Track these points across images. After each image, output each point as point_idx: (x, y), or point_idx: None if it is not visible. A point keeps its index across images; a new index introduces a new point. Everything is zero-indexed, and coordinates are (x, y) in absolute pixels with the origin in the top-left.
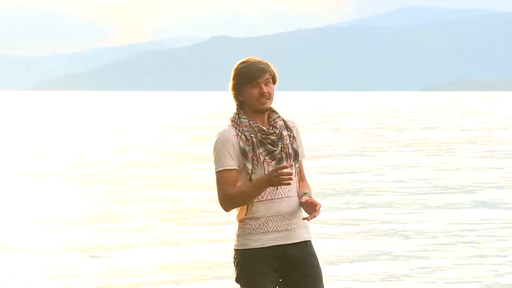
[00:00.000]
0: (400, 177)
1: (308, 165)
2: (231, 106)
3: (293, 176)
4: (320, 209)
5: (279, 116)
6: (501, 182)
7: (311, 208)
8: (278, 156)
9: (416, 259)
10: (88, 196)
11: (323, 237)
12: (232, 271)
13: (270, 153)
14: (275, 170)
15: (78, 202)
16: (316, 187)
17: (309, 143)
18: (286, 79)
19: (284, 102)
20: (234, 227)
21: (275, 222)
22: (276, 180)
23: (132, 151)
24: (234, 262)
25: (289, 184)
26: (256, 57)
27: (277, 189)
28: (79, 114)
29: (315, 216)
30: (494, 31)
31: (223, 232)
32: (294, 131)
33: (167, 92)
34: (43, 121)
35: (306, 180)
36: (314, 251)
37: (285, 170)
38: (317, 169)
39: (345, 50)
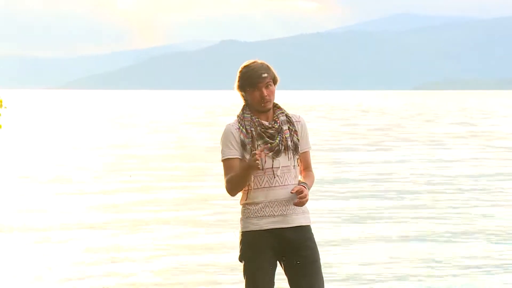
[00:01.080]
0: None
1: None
2: (238, 103)
3: (292, 167)
4: (308, 197)
5: (283, 112)
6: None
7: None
8: (276, 148)
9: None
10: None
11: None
12: None
13: (266, 145)
14: (253, 155)
15: (126, 195)
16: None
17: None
18: (289, 79)
19: (286, 99)
20: None
21: (272, 207)
22: (252, 163)
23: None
24: (239, 242)
25: (258, 168)
26: (258, 60)
27: (275, 177)
28: (108, 111)
29: (299, 204)
30: (477, 35)
31: None
32: (298, 126)
33: (183, 91)
34: (78, 117)
35: (310, 171)
36: (311, 235)
37: (257, 153)
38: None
39: (343, 53)
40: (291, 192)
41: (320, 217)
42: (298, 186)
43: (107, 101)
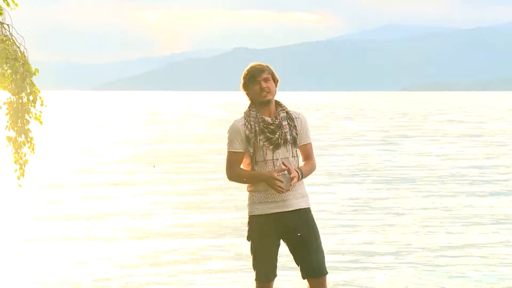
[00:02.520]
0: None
1: None
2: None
3: (290, 157)
4: (295, 181)
5: (283, 109)
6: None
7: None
8: (276, 142)
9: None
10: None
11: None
12: None
13: (268, 140)
14: (274, 178)
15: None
16: None
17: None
18: (292, 81)
19: (291, 99)
20: None
21: (273, 194)
22: (271, 184)
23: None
24: (247, 224)
25: (281, 192)
26: (258, 62)
27: (275, 167)
28: (137, 109)
29: (289, 189)
30: (457, 42)
31: None
32: (298, 121)
33: (200, 92)
34: (111, 115)
35: (311, 160)
36: (311, 216)
37: (279, 184)
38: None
39: (340, 58)
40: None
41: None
42: (290, 168)
43: (135, 100)
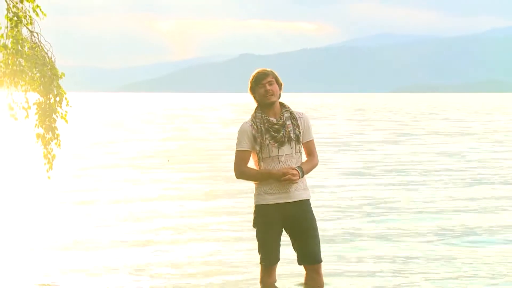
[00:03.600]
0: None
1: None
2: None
3: (294, 154)
4: (295, 175)
5: (288, 110)
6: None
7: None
8: (280, 140)
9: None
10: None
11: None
12: None
13: (273, 138)
14: (283, 175)
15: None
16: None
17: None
18: (294, 84)
19: (295, 100)
20: None
21: (278, 186)
22: (283, 179)
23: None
24: (253, 213)
25: (295, 180)
26: (263, 68)
27: (279, 163)
28: (154, 109)
29: (290, 181)
30: (442, 49)
31: None
32: (300, 121)
33: (210, 94)
34: (131, 114)
35: (313, 156)
36: (310, 208)
37: (287, 178)
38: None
39: (336, 63)
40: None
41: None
42: (289, 169)
43: (152, 101)
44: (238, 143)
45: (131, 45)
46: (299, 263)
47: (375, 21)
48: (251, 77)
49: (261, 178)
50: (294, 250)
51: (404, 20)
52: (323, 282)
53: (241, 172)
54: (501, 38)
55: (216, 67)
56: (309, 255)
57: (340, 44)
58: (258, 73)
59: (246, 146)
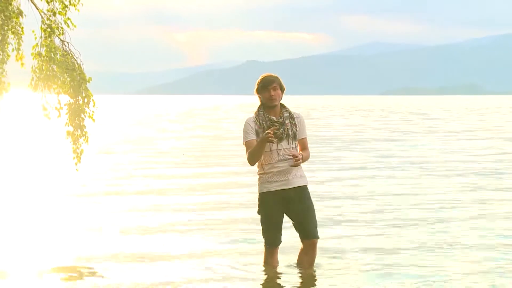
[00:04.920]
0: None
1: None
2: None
3: (291, 148)
4: (301, 159)
5: (287, 110)
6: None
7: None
8: (279, 136)
9: None
10: None
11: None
12: None
13: (273, 134)
14: (266, 133)
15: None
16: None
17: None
18: (295, 87)
19: (295, 102)
20: None
21: (278, 175)
22: (265, 137)
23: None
24: (257, 200)
25: (272, 141)
26: (270, 73)
27: (278, 156)
28: (168, 110)
29: (294, 165)
30: (423, 56)
31: None
32: (297, 120)
33: (220, 96)
34: (148, 114)
35: (307, 150)
36: (308, 193)
37: (269, 132)
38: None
39: (331, 69)
40: (289, 155)
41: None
42: (295, 153)
43: (165, 103)
44: (244, 136)
45: (149, 52)
46: (302, 238)
47: (366, 31)
48: (259, 80)
49: (260, 147)
50: (296, 230)
51: (391, 31)
52: (315, 256)
53: (249, 155)
54: (476, 47)
55: (225, 72)
56: (307, 232)
57: (335, 52)
58: (265, 78)
59: (252, 137)
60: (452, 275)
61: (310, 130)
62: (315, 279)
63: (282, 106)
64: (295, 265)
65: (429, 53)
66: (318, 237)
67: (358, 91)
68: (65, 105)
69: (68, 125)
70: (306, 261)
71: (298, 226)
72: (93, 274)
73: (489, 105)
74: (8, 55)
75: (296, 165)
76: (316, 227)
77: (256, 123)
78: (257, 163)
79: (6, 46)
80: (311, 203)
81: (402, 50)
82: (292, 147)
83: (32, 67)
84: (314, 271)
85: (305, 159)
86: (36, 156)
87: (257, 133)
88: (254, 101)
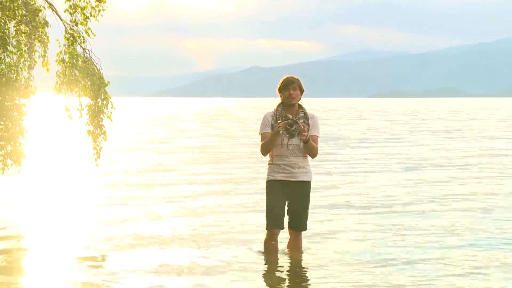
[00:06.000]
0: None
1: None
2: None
3: (300, 145)
4: (308, 135)
5: (303, 110)
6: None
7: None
8: (292, 132)
9: None
10: None
11: None
12: None
13: (286, 130)
14: (278, 126)
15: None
16: None
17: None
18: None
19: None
20: None
21: (284, 167)
22: (277, 130)
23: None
24: (265, 188)
25: (279, 130)
26: (292, 75)
27: (288, 150)
28: (181, 111)
29: (303, 136)
30: (409, 62)
31: None
32: (311, 121)
33: (225, 98)
34: (161, 116)
35: (316, 145)
36: (308, 188)
37: (280, 123)
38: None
39: (326, 74)
40: (302, 133)
41: None
42: (305, 129)
43: (182, 104)
44: (262, 128)
45: (162, 59)
46: (288, 227)
47: (358, 40)
48: (282, 80)
49: (273, 139)
50: (287, 215)
51: (381, 40)
52: (301, 242)
53: (263, 147)
54: (456, 54)
55: (230, 77)
56: (297, 224)
57: (329, 58)
58: (288, 78)
59: (267, 129)
60: (435, 251)
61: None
62: (301, 262)
63: (300, 106)
64: (286, 250)
65: (414, 59)
66: (305, 229)
67: (350, 94)
68: (85, 106)
69: (89, 125)
70: (294, 247)
71: (290, 216)
72: (103, 258)
73: (476, 107)
74: (35, 61)
75: (303, 135)
76: (306, 221)
77: (273, 118)
78: (268, 154)
79: (33, 53)
80: (309, 199)
81: (390, 57)
82: (302, 145)
83: (56, 72)
84: (302, 254)
85: (313, 147)
86: (61, 151)
87: (272, 127)
88: (253, 103)
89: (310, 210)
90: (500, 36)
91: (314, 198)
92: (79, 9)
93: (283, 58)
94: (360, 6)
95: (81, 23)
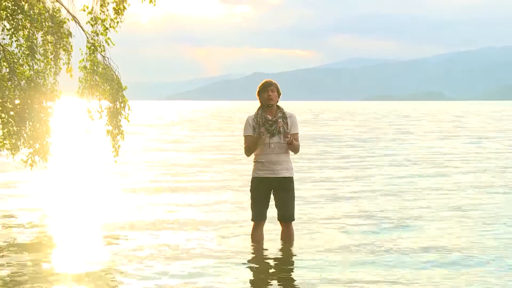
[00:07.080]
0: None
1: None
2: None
3: (281, 142)
4: (293, 140)
5: (281, 111)
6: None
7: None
8: (272, 132)
9: None
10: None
11: None
12: None
13: (267, 130)
14: (260, 133)
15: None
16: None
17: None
18: (292, 94)
19: (294, 106)
20: None
21: (268, 165)
22: (258, 136)
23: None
24: (250, 183)
25: (261, 136)
26: (270, 79)
27: (270, 148)
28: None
29: (287, 142)
30: (397, 69)
31: None
32: (289, 120)
33: (231, 101)
34: (175, 117)
35: (298, 143)
36: (290, 183)
37: (262, 131)
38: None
39: (322, 80)
40: (285, 135)
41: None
42: (288, 135)
43: (193, 107)
44: (245, 130)
45: (174, 66)
46: (278, 219)
47: (351, 49)
48: (260, 84)
49: (254, 143)
50: (276, 208)
51: (372, 48)
52: (292, 232)
53: (246, 148)
54: (441, 61)
55: (235, 82)
56: (285, 216)
57: (325, 66)
58: (266, 82)
59: (249, 132)
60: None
61: (305, 129)
62: (291, 251)
63: (278, 107)
64: (279, 240)
65: (402, 66)
66: (293, 220)
67: (343, 98)
68: (105, 108)
69: (108, 125)
70: (286, 237)
71: (278, 209)
72: (116, 238)
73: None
74: (60, 68)
75: (288, 141)
76: (293, 212)
77: (254, 120)
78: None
79: (58, 61)
80: (293, 192)
81: (380, 64)
82: (283, 142)
83: (79, 78)
84: (294, 242)
85: (295, 146)
86: (83, 149)
87: (253, 129)
88: (257, 105)
89: (301, 201)
90: (482, 44)
91: (306, 190)
92: (100, 21)
93: (283, 65)
94: (353, 17)
95: (101, 34)
